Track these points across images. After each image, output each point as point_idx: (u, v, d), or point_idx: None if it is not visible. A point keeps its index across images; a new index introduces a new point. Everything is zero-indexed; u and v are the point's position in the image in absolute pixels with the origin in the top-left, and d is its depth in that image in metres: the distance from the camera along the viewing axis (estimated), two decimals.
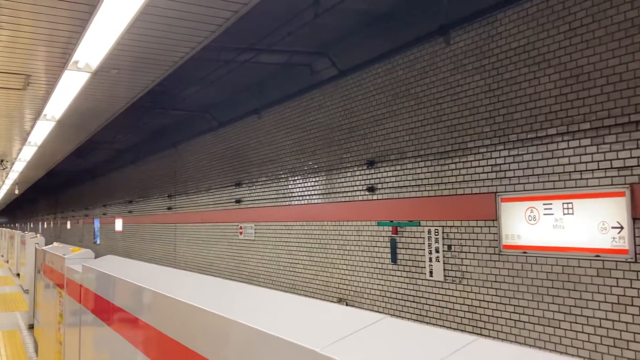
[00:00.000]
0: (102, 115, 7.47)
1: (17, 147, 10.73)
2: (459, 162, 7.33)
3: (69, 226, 35.79)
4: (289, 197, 11.27)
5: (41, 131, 8.47)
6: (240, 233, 13.23)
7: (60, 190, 37.38)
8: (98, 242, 27.13)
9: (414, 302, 7.98)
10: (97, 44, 4.37)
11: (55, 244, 7.17)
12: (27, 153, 11.34)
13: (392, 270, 8.44)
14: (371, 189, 8.92)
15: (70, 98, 6.08)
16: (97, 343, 3.64)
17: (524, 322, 6.43)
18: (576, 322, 5.85)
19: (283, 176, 11.51)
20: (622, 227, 5.41)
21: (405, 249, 8.21)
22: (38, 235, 12.77)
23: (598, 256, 5.64)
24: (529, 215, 6.35)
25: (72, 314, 4.55)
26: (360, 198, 9.22)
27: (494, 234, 6.79)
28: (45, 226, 47.17)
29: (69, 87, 5.60)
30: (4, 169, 13.98)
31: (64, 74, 5.11)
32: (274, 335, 1.30)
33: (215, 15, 3.81)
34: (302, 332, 1.30)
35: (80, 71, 5.05)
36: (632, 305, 5.36)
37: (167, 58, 4.88)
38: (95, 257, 4.75)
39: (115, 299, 3.08)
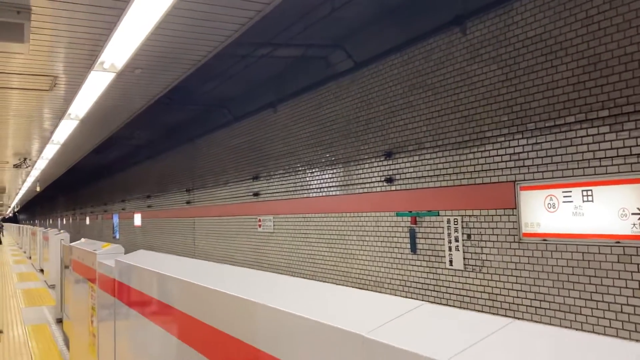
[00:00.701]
0: (124, 113, 7.62)
1: (40, 145, 10.96)
2: (477, 151, 7.38)
3: (87, 222, 36.32)
4: (307, 189, 11.39)
5: (64, 130, 8.66)
6: (259, 226, 13.39)
7: (79, 187, 37.89)
8: (117, 237, 27.52)
9: (434, 291, 8.07)
10: (122, 45, 4.50)
11: (82, 240, 7.36)
12: (49, 151, 11.57)
13: (412, 260, 8.53)
14: (389, 180, 9.00)
15: (94, 98, 6.23)
16: (134, 334, 3.79)
17: (545, 309, 6.50)
18: (597, 309, 5.91)
19: (300, 169, 11.63)
20: None
21: (425, 238, 8.29)
22: (62, 231, 13.04)
23: (618, 242, 5.68)
24: (549, 203, 6.40)
25: (106, 307, 4.71)
26: (378, 189, 9.31)
27: (514, 222, 6.85)
28: (65, 222, 47.88)
29: (94, 87, 5.74)
30: (26, 167, 14.26)
31: (90, 74, 5.25)
32: (322, 323, 1.41)
33: (239, 15, 3.91)
34: (347, 318, 1.40)
35: (105, 71, 5.18)
36: None
37: (189, 58, 4.99)
38: None
39: (152, 291, 3.21)
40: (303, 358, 1.49)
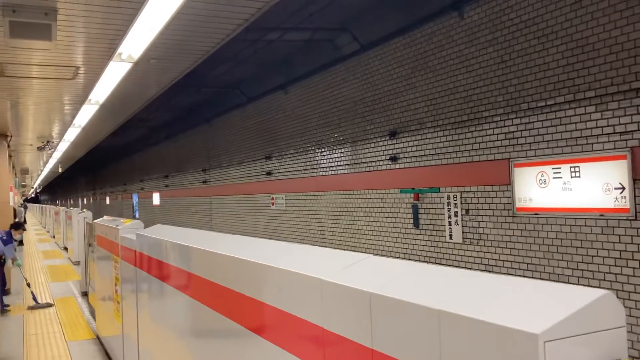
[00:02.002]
0: (141, 98, 8.10)
1: (61, 129, 11.51)
2: (475, 130, 7.75)
3: (108, 202, 37.25)
4: (317, 168, 11.84)
5: (85, 114, 9.17)
6: (272, 204, 13.91)
7: (99, 168, 38.75)
8: (137, 215, 28.30)
9: (435, 263, 8.52)
10: (139, 37, 4.95)
11: (105, 217, 7.91)
12: (71, 134, 12.13)
13: (415, 234, 8.98)
14: (393, 159, 9.40)
15: (113, 85, 6.70)
16: (153, 296, 4.31)
17: (537, 278, 6.92)
18: (583, 277, 6.32)
19: (310, 148, 12.06)
20: (623, 188, 5.82)
21: (427, 214, 8.72)
22: (85, 210, 13.68)
23: (602, 215, 6.06)
24: (540, 179, 6.78)
25: (128, 276, 5.24)
26: (383, 167, 9.72)
27: (508, 197, 7.25)
28: (85, 202, 49.00)
29: (113, 75, 6.21)
30: (49, 150, 14.88)
31: (109, 64, 5.71)
32: (287, 270, 1.87)
33: (248, 5, 4.33)
34: (313, 268, 1.86)
35: (123, 62, 5.64)
36: (632, 259, 5.80)
37: (201, 47, 5.43)
38: None
39: (168, 258, 3.71)
40: (275, 295, 1.96)
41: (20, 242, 19.49)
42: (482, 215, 7.67)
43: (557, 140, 6.57)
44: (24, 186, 37.19)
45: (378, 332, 1.32)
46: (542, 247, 6.82)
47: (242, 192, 15.81)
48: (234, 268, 2.50)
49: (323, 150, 11.60)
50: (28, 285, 9.71)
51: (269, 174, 14.03)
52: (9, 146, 12.83)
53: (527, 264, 7.02)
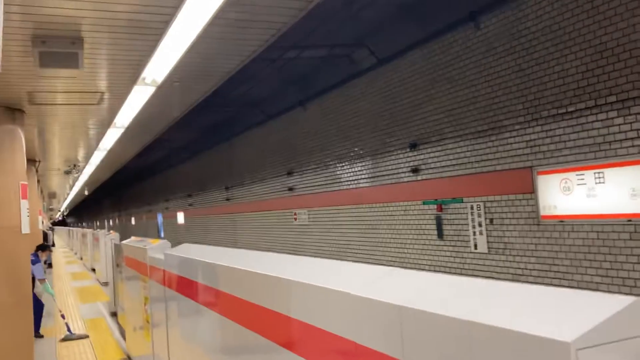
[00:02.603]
0: (164, 120, 8.26)
1: (88, 152, 11.76)
2: (496, 139, 7.74)
3: (133, 222, 37.72)
4: (338, 182, 11.88)
5: (110, 138, 9.37)
6: (295, 219, 13.97)
7: (124, 189, 39.32)
8: (162, 235, 28.60)
9: (460, 273, 8.47)
10: (162, 62, 5.08)
11: (132, 238, 8.03)
12: (97, 157, 12.37)
13: (439, 245, 8.94)
14: (415, 170, 9.41)
15: (137, 108, 6.85)
16: (183, 315, 4.37)
17: (565, 287, 6.83)
18: (613, 284, 6.24)
19: (331, 163, 12.13)
20: None
21: (450, 224, 8.69)
22: (112, 232, 13.89)
23: (630, 221, 5.99)
24: (564, 186, 6.73)
25: (157, 295, 5.32)
26: (405, 179, 9.73)
27: (532, 205, 7.20)
28: (111, 223, 49.67)
29: (137, 99, 6.35)
30: (75, 174, 15.19)
31: (133, 89, 5.86)
32: (315, 285, 1.91)
33: (268, 27, 4.44)
34: (341, 282, 1.90)
35: (147, 85, 5.77)
36: None
37: (221, 70, 5.54)
38: None
39: (197, 276, 3.78)
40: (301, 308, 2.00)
41: (49, 265, 19.81)
42: (507, 225, 7.63)
43: (579, 146, 6.53)
44: (51, 210, 37.88)
45: (408, 345, 1.36)
46: (569, 255, 6.75)
47: (265, 209, 15.92)
48: (262, 284, 2.55)
49: (344, 164, 11.65)
50: (62, 317, 9.75)
51: (290, 189, 14.12)
52: (37, 171, 13.13)
53: (555, 272, 6.94)
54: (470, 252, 8.28)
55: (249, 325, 2.77)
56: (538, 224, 7.12)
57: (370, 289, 1.67)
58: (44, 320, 10.36)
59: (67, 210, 64.40)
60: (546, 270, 7.05)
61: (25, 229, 5.98)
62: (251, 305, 2.70)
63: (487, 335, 1.10)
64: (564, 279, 6.83)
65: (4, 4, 3.01)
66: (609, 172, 6.18)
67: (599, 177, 6.29)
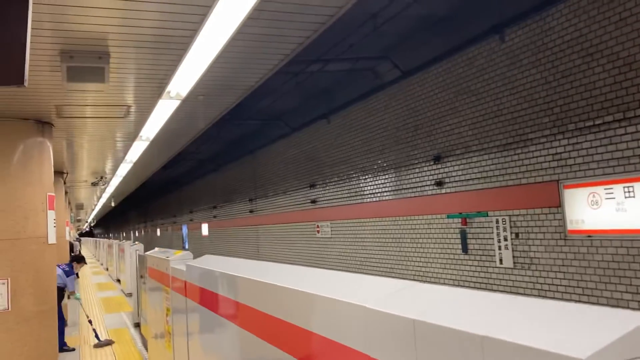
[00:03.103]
0: (189, 133, 8.36)
1: (114, 164, 11.95)
2: (521, 152, 7.64)
3: (158, 233, 38.13)
4: (361, 195, 11.85)
5: (136, 150, 9.51)
6: (318, 232, 13.95)
7: (149, 200, 39.82)
8: (186, 246, 28.84)
9: (485, 288, 8.34)
10: (187, 76, 5.15)
11: (156, 249, 8.11)
12: (123, 169, 12.57)
13: (464, 260, 8.83)
14: (439, 183, 9.34)
15: (162, 121, 6.95)
16: (203, 326, 4.39)
17: (593, 303, 6.68)
18: None
19: (354, 176, 12.11)
20: None
21: (475, 239, 8.58)
22: (136, 243, 14.06)
23: None
24: (592, 200, 6.60)
25: (178, 306, 5.36)
26: (429, 192, 9.66)
27: (559, 220, 7.07)
28: (137, 234, 50.29)
29: (162, 112, 6.45)
30: (102, 185, 15.44)
31: (159, 102, 5.95)
32: (332, 298, 1.90)
33: (290, 41, 4.47)
34: (358, 295, 1.88)
35: (172, 99, 5.86)
36: None
37: (245, 83, 5.60)
38: None
39: (217, 288, 3.79)
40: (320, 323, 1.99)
41: (77, 275, 20.10)
42: (533, 239, 7.50)
43: (607, 160, 6.40)
44: (78, 221, 38.54)
45: (422, 359, 1.33)
46: (597, 271, 6.60)
47: (287, 221, 15.94)
48: (281, 297, 2.54)
49: (367, 177, 11.62)
50: (90, 322, 9.84)
51: (313, 202, 14.12)
52: (65, 183, 13.39)
53: (583, 288, 6.79)
54: (496, 267, 8.15)
55: (266, 337, 2.76)
56: (565, 239, 6.99)
57: (386, 303, 1.65)
58: (69, 330, 10.50)
59: (94, 222, 65.43)
60: (574, 287, 6.90)
61: (52, 239, 6.09)
62: (268, 317, 2.70)
63: (500, 351, 1.08)
64: (592, 296, 6.68)
65: (34, 20, 3.09)
66: (639, 186, 6.04)
67: (629, 191, 6.15)
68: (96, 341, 9.27)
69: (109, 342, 9.28)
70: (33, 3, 2.14)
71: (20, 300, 5.55)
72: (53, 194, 6.27)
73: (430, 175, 9.59)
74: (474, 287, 8.59)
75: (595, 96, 6.54)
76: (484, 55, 8.24)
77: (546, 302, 1.30)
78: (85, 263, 11.58)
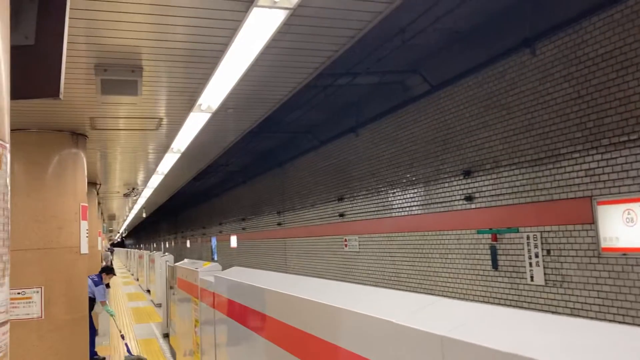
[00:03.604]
0: (219, 145, 8.45)
1: (146, 176, 12.14)
2: (553, 168, 7.50)
3: (188, 245, 38.51)
4: (390, 209, 11.78)
5: (168, 162, 9.66)
6: (345, 245, 13.90)
7: (180, 212, 40.30)
8: (215, 258, 29.05)
9: (515, 306, 8.18)
10: (217, 90, 5.22)
11: (186, 260, 8.19)
12: (154, 181, 12.76)
13: (494, 276, 8.68)
14: (469, 198, 9.22)
15: (193, 134, 7.05)
16: (231, 338, 4.40)
17: (629, 323, 6.48)
18: None
19: (383, 189, 12.05)
20: None
21: (505, 255, 8.43)
22: (166, 254, 14.22)
23: None
24: (627, 217, 6.43)
25: (207, 317, 5.39)
26: (458, 207, 9.55)
27: (592, 237, 6.90)
28: (167, 245, 50.89)
29: (193, 125, 6.54)
30: (134, 197, 15.69)
31: (190, 115, 6.04)
32: (360, 313, 1.89)
33: (319, 55, 4.51)
34: (385, 310, 1.87)
35: (202, 112, 5.94)
36: None
37: (274, 97, 5.65)
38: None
39: (245, 300, 3.80)
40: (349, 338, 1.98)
41: (107, 285, 20.38)
42: (565, 256, 7.33)
43: None
44: (110, 231, 39.21)
45: None
46: (633, 290, 6.41)
47: (315, 234, 15.94)
48: (308, 310, 2.53)
49: (395, 190, 11.56)
50: (122, 337, 9.88)
51: (341, 215, 14.10)
52: (98, 194, 13.65)
53: (617, 307, 6.60)
54: (526, 284, 7.99)
55: (292, 350, 2.75)
56: (599, 256, 6.81)
57: (413, 318, 1.63)
58: (99, 339, 10.64)
59: (126, 232, 66.47)
60: (608, 306, 6.71)
61: (84, 249, 6.20)
62: (295, 330, 2.69)
63: None
64: (627, 315, 6.48)
65: (70, 34, 3.18)
66: None
67: None
68: (127, 354, 9.28)
69: (139, 359, 9.26)
70: (70, 18, 2.20)
71: (53, 309, 5.65)
72: (86, 205, 6.40)
73: (460, 189, 9.49)
74: (504, 305, 8.43)
75: (630, 110, 6.40)
76: (514, 69, 8.16)
77: (578, 321, 1.27)
78: (114, 274, 11.68)
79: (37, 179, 5.87)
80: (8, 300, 1.20)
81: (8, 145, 1.25)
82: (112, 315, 9.92)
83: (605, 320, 6.74)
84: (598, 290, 6.83)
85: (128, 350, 9.37)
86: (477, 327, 1.32)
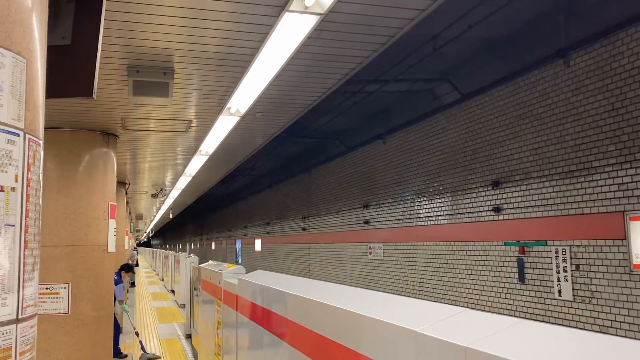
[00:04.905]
0: (247, 149, 8.51)
1: (174, 177, 12.29)
2: (585, 181, 7.36)
3: (213, 247, 38.83)
4: (415, 218, 11.69)
5: (196, 164, 9.76)
6: (370, 253, 13.83)
7: (206, 214, 40.67)
8: (240, 261, 29.22)
9: (542, 320, 8.02)
10: (246, 94, 5.27)
11: (210, 261, 8.25)
12: (182, 182, 12.91)
13: (520, 289, 8.53)
14: (497, 210, 9.10)
15: (221, 137, 7.12)
16: (252, 342, 4.40)
17: None
18: None
19: (409, 198, 11.97)
20: None
21: (533, 268, 8.28)
22: (192, 255, 14.35)
23: None
24: None
25: (229, 320, 5.41)
26: (486, 218, 9.42)
27: (624, 253, 6.74)
28: (192, 247, 51.38)
29: (222, 128, 6.61)
30: (162, 197, 15.90)
31: (219, 118, 6.10)
32: (383, 321, 1.87)
33: (349, 61, 4.51)
34: (409, 319, 1.84)
35: (231, 115, 6.00)
36: None
37: (302, 102, 5.67)
38: None
39: (269, 304, 3.80)
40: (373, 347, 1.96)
41: (132, 284, 20.63)
42: (595, 272, 7.17)
43: None
44: (137, 231, 39.77)
45: None
46: None
47: (339, 240, 15.90)
48: (331, 316, 2.52)
49: (422, 199, 11.47)
50: (136, 334, 9.94)
51: (366, 222, 14.04)
52: (126, 193, 13.87)
53: None
54: (554, 299, 7.83)
55: (313, 355, 2.74)
56: (630, 273, 6.64)
57: (438, 328, 1.61)
58: (123, 337, 10.76)
59: (152, 232, 67.37)
60: (639, 324, 6.53)
61: (111, 247, 6.30)
62: (317, 336, 2.68)
63: None
64: None
65: (104, 36, 3.24)
66: None
67: None
68: (142, 352, 9.35)
69: (154, 357, 9.32)
70: (105, 19, 2.25)
71: (79, 305, 5.74)
72: (115, 204, 6.50)
73: (488, 200, 9.36)
74: (530, 318, 8.28)
75: None
76: (547, 80, 8.03)
77: (607, 337, 1.23)
78: (134, 273, 11.66)
79: (67, 177, 5.98)
80: (37, 294, 1.22)
81: (42, 142, 1.27)
82: (126, 312, 9.98)
83: (635, 338, 6.56)
84: (628, 308, 6.66)
85: (142, 348, 9.42)
86: (503, 340, 1.29)
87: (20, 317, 1.12)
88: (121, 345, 9.88)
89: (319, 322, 2.68)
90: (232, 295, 5.27)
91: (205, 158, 8.99)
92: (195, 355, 9.22)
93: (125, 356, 9.30)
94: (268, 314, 3.80)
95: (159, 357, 9.45)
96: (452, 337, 1.41)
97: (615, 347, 1.23)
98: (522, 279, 8.47)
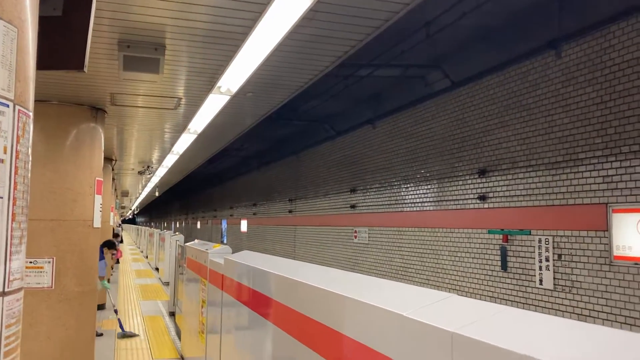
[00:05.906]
0: (236, 129, 8.47)
1: (161, 155, 12.21)
2: (570, 172, 7.43)
3: (198, 226, 38.77)
4: (402, 203, 11.75)
5: (183, 142, 9.70)
6: (355, 237, 13.90)
7: (192, 193, 40.51)
8: (225, 241, 29.22)
9: (523, 309, 8.13)
10: (238, 73, 5.22)
11: (196, 240, 8.24)
12: (169, 160, 12.83)
13: (502, 277, 8.64)
14: (482, 198, 9.17)
15: (211, 116, 7.07)
16: (237, 321, 4.43)
17: (638, 332, 6.41)
18: None
19: (396, 183, 12.01)
20: None
21: (516, 257, 8.38)
22: (177, 233, 14.32)
23: None
24: None
25: (214, 299, 5.42)
26: (471, 206, 9.49)
27: (605, 244, 6.84)
28: (177, 225, 51.26)
29: (211, 107, 6.56)
30: (148, 175, 15.79)
31: (209, 97, 6.05)
32: (369, 304, 1.88)
33: (342, 44, 4.48)
34: (396, 303, 1.86)
35: (221, 94, 5.95)
36: None
37: (293, 83, 5.64)
38: None
39: (253, 283, 3.81)
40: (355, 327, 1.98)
41: (117, 261, 20.56)
42: (576, 262, 7.27)
43: None
44: (123, 207, 39.55)
45: None
46: None
47: (325, 224, 15.95)
48: (318, 298, 2.54)
49: (409, 185, 11.52)
50: (115, 312, 9.84)
51: (353, 207, 14.09)
52: (113, 169, 13.75)
53: (625, 316, 6.54)
54: (535, 287, 7.95)
55: (298, 336, 2.76)
56: (610, 264, 6.75)
57: (424, 313, 1.62)
58: (105, 313, 10.76)
59: (138, 210, 67.01)
60: (616, 314, 6.65)
61: (97, 223, 6.26)
62: (303, 317, 2.69)
63: None
64: (635, 325, 6.43)
65: (96, 9, 3.18)
66: None
67: None
68: (120, 331, 9.27)
69: (132, 335, 9.27)
70: None
71: (63, 280, 5.71)
72: (101, 179, 6.45)
73: (474, 188, 9.43)
74: (512, 306, 8.39)
75: None
76: (538, 70, 8.06)
77: (591, 326, 1.25)
78: (116, 250, 11.48)
79: (54, 151, 5.91)
80: (24, 268, 1.21)
81: (32, 115, 1.25)
82: (106, 287, 9.87)
83: (612, 327, 6.69)
84: (607, 298, 6.78)
85: (121, 327, 9.35)
86: (489, 326, 1.31)
87: (6, 290, 1.11)
88: (103, 322, 9.87)
89: (306, 303, 2.70)
90: (217, 275, 5.28)
91: (194, 137, 8.93)
92: (178, 333, 9.24)
93: (101, 334, 9.25)
94: (254, 294, 3.81)
95: (137, 335, 9.41)
96: (438, 322, 1.43)
97: (595, 334, 1.26)
98: (504, 267, 8.58)
